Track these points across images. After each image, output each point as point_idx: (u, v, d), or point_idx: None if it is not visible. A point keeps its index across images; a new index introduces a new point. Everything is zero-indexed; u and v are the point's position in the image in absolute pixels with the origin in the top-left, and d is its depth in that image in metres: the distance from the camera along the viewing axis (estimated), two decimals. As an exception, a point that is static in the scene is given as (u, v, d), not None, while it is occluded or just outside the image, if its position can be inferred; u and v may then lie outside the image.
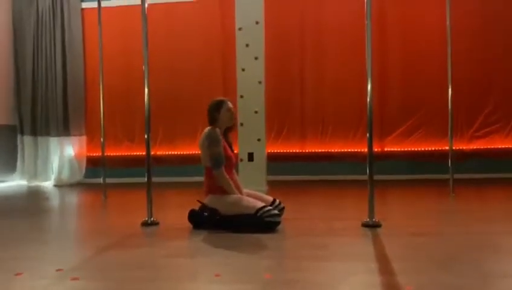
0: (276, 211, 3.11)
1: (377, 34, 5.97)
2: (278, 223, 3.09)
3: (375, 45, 5.73)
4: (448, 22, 4.61)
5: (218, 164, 3.13)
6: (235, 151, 3.58)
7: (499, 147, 5.96)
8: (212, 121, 3.29)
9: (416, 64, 6.13)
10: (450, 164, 4.62)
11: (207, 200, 3.21)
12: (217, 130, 3.22)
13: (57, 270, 2.24)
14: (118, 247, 2.79)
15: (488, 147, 5.98)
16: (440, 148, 5.95)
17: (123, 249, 2.76)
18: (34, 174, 6.93)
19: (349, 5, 6.04)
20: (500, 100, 5.96)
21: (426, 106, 6.08)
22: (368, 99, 3.22)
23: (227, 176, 3.16)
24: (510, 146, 5.94)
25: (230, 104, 3.33)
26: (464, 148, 6.00)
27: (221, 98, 3.39)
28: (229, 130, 3.37)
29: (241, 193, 3.24)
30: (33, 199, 5.54)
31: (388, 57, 6.20)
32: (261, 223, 3.02)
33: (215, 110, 3.28)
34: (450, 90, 4.62)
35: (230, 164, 3.28)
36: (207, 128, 3.26)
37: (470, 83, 5.92)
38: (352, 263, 2.33)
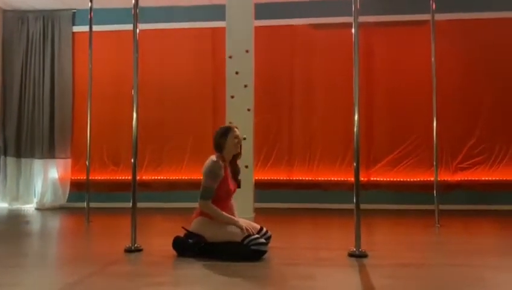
0: (263, 240, 3.08)
1: (365, 66, 6.11)
2: (265, 251, 3.06)
3: (363, 75, 5.87)
4: (433, 58, 4.75)
5: (204, 196, 3.12)
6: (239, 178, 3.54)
7: (483, 178, 6.05)
8: (219, 148, 3.25)
9: (402, 96, 6.25)
10: (435, 195, 4.67)
11: (193, 225, 3.17)
12: (221, 163, 3.17)
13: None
14: (100, 274, 2.72)
15: (473, 178, 6.06)
16: (425, 179, 6.01)
17: (105, 276, 2.69)
18: (15, 197, 6.77)
19: (338, 37, 6.17)
20: (484, 133, 6.08)
21: (412, 137, 6.17)
22: (355, 129, 3.27)
23: (214, 207, 3.13)
24: (494, 178, 6.03)
25: (237, 132, 3.30)
26: (449, 179, 6.07)
27: (231, 125, 3.40)
28: (235, 157, 3.34)
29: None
30: (13, 222, 5.39)
31: (375, 88, 6.31)
32: (247, 252, 2.98)
33: (222, 137, 3.25)
34: (435, 122, 4.73)
35: (228, 195, 3.25)
36: (212, 157, 3.20)
37: (454, 116, 6.05)
38: (339, 294, 2.31)
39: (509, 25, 6.15)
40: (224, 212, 3.14)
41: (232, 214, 3.23)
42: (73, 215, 5.88)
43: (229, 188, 3.22)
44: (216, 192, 3.14)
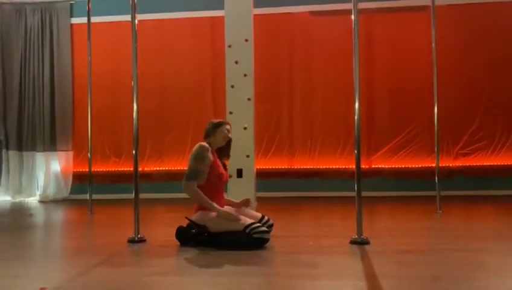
0: (264, 228, 3.10)
1: (365, 52, 6.08)
2: (267, 240, 3.07)
3: (363, 63, 5.87)
4: (433, 44, 4.72)
5: (190, 177, 3.14)
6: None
7: (484, 164, 6.05)
8: (207, 135, 3.30)
9: (403, 83, 6.23)
10: (436, 181, 4.67)
11: (196, 216, 3.19)
12: (208, 147, 3.22)
13: (41, 288, 2.18)
14: (104, 265, 2.74)
15: (474, 164, 6.07)
16: (427, 166, 6.02)
17: (109, 267, 2.71)
18: (18, 190, 6.80)
19: (337, 23, 6.13)
20: (484, 119, 6.07)
21: (413, 124, 6.16)
22: (356, 117, 3.26)
23: (197, 190, 3.13)
24: (494, 163, 6.04)
25: (229, 127, 3.35)
26: (450, 165, 6.07)
27: (223, 120, 3.41)
28: (222, 151, 3.36)
29: (237, 206, 3.29)
30: (17, 215, 5.43)
31: (376, 75, 6.28)
32: (249, 240, 3.00)
33: (217, 125, 3.31)
34: (436, 108, 4.71)
35: (221, 182, 3.27)
36: (200, 143, 3.26)
37: (455, 102, 6.03)
38: (342, 281, 2.32)
39: (510, 10, 6.09)
40: (206, 197, 3.13)
41: (229, 204, 3.27)
42: (76, 207, 5.91)
43: (219, 172, 3.24)
44: (208, 177, 3.16)
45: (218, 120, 3.38)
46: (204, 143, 3.24)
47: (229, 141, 3.37)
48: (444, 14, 5.74)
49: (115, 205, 5.75)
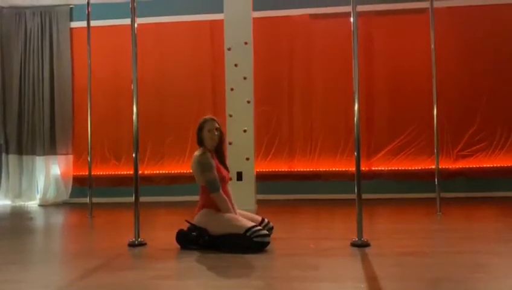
0: (265, 231, 3.10)
1: (365, 55, 6.09)
2: (267, 243, 3.07)
3: (363, 65, 5.88)
4: (432, 46, 4.73)
5: (214, 189, 3.15)
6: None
7: (484, 166, 6.04)
8: (199, 141, 3.31)
9: (402, 85, 6.22)
10: (436, 183, 4.67)
11: (197, 217, 3.19)
12: (207, 153, 3.22)
13: (42, 293, 2.19)
14: (105, 269, 2.74)
15: (474, 166, 6.06)
16: (427, 167, 6.01)
17: (109, 271, 2.71)
18: (18, 194, 6.79)
19: (337, 26, 6.13)
20: (484, 121, 6.06)
21: (412, 126, 6.15)
22: (355, 119, 3.26)
23: (225, 197, 3.17)
24: (494, 165, 6.04)
25: (214, 124, 3.30)
26: (450, 167, 6.07)
27: (207, 117, 3.36)
28: (219, 148, 3.36)
29: (234, 211, 3.24)
30: (17, 219, 5.42)
31: (375, 77, 6.28)
32: (250, 243, 3.00)
33: (199, 130, 3.31)
34: (435, 110, 4.72)
35: (223, 182, 3.28)
36: (197, 152, 3.26)
37: (454, 104, 6.03)
38: (342, 283, 2.32)
39: (509, 12, 6.10)
40: (231, 207, 3.18)
41: (231, 203, 3.27)
42: (76, 210, 5.90)
43: (221, 175, 3.25)
44: None
45: (201, 121, 3.32)
46: (201, 152, 3.23)
47: (221, 139, 3.33)
48: (443, 16, 5.76)
49: (115, 208, 5.74)
